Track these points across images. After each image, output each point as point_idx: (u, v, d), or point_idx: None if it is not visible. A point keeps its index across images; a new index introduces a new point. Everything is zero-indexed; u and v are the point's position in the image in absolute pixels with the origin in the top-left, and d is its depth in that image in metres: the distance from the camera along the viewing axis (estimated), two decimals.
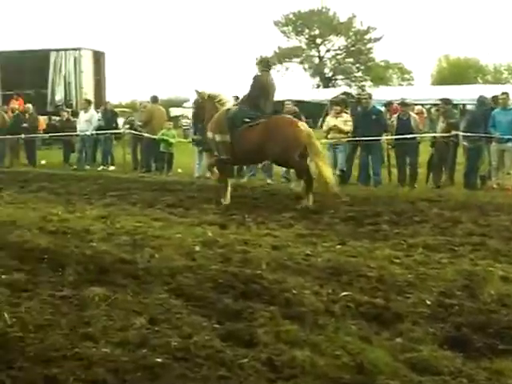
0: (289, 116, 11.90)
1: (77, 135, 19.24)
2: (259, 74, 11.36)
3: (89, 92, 26.66)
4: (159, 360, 4.21)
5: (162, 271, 6.33)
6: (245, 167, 15.06)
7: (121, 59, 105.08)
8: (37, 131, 20.95)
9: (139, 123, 18.28)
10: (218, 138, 11.14)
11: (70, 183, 14.37)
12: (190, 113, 38.29)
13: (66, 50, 27.59)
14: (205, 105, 11.98)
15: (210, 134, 11.41)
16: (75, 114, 21.84)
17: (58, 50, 27.63)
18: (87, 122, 19.03)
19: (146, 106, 18.64)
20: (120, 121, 22.11)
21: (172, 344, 4.45)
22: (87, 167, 18.61)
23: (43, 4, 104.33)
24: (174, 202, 11.14)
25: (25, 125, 20.00)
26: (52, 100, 27.47)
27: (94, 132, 18.95)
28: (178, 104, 48.75)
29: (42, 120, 23.33)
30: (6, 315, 5.00)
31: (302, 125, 10.86)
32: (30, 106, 21.35)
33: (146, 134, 17.48)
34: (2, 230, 8.60)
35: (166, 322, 4.92)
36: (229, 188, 11.28)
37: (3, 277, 6.23)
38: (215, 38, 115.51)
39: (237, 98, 14.17)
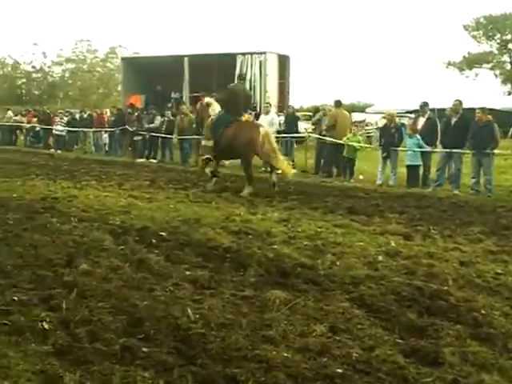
0: (255, 121, 16.53)
1: None
2: (232, 84, 14.53)
3: (273, 95, 26.83)
4: (340, 370, 4.14)
5: (344, 279, 6.27)
6: None
7: (306, 63, 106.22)
8: None
9: (324, 127, 18.29)
10: (203, 142, 14.70)
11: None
12: (372, 118, 38.41)
13: (251, 53, 27.94)
14: (204, 111, 14.82)
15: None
16: (259, 117, 22.32)
17: (244, 54, 28.08)
18: (268, 124, 19.30)
19: (330, 110, 18.63)
20: (302, 125, 22.12)
21: (353, 355, 4.39)
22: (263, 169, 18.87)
23: (231, 8, 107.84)
24: (355, 208, 10.99)
25: None
26: None
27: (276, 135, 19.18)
28: (361, 109, 48.63)
29: None
30: (189, 311, 5.15)
31: (263, 129, 13.58)
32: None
33: (329, 139, 17.45)
34: (187, 227, 8.92)
35: (346, 332, 4.86)
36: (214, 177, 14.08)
37: (187, 273, 6.43)
38: (402, 43, 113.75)
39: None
